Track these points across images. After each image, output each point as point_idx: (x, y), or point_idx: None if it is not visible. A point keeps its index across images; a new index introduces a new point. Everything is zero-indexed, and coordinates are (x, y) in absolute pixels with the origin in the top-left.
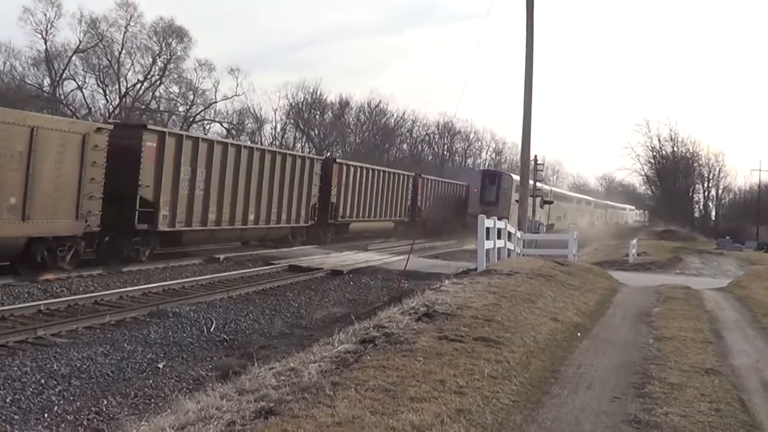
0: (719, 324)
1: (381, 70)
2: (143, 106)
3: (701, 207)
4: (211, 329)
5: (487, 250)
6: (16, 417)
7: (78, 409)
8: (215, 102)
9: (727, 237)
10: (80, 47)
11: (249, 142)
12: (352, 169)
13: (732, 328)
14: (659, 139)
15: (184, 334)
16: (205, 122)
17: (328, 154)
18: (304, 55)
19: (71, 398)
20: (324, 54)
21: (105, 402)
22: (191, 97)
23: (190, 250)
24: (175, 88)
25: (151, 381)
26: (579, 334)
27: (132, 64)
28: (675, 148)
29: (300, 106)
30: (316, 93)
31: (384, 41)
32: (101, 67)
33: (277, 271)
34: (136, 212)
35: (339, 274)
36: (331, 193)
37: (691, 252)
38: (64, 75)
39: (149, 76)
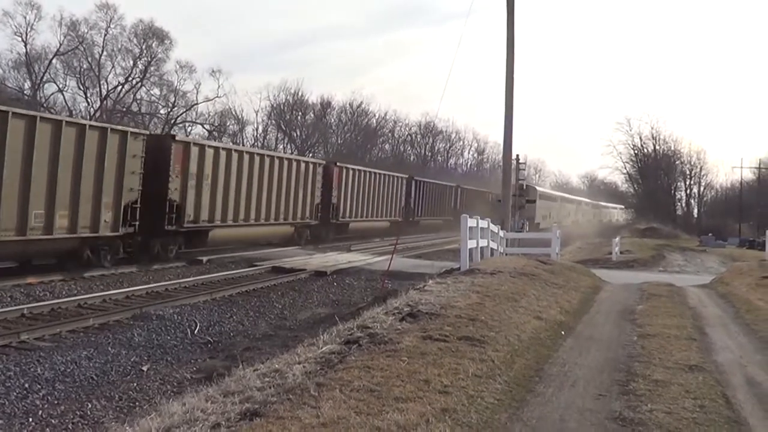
0: (703, 321)
1: (363, 70)
2: (124, 109)
3: (683, 204)
4: (195, 331)
5: (471, 250)
6: (0, 422)
7: (62, 413)
8: (197, 104)
9: (710, 234)
10: (60, 50)
11: (260, 149)
12: (351, 171)
13: (715, 324)
14: (641, 138)
15: (168, 337)
16: (187, 124)
17: (310, 155)
18: (285, 56)
19: (55, 402)
20: (305, 55)
21: (89, 405)
22: (172, 99)
23: (211, 249)
24: (156, 91)
25: (135, 384)
26: (563, 332)
27: (113, 66)
28: (657, 146)
29: (281, 107)
30: (297, 94)
31: (366, 42)
32: (82, 69)
33: (260, 273)
34: (166, 215)
35: (322, 275)
36: (332, 195)
37: (673, 249)
38: (45, 78)
39: (130, 79)
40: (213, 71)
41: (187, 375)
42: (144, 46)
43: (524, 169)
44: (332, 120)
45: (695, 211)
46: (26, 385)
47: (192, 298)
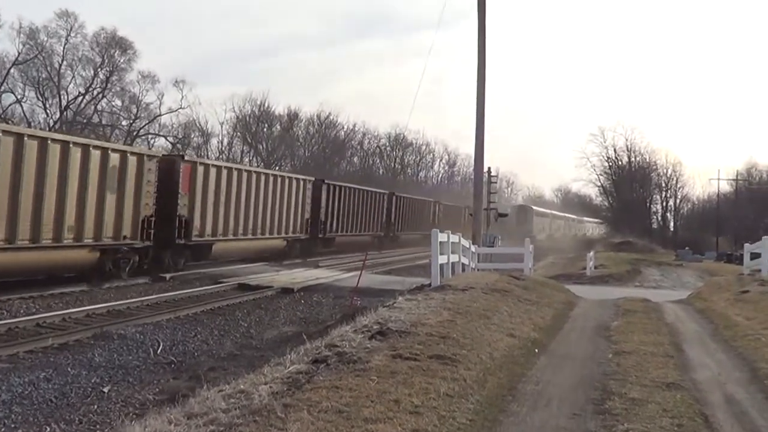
0: (680, 337)
1: (331, 81)
2: (85, 120)
3: (659, 218)
4: (158, 351)
5: (442, 265)
6: None
7: None
8: (160, 115)
9: (687, 248)
10: (19, 59)
11: (257, 167)
12: (338, 189)
13: (693, 341)
14: (615, 149)
15: (130, 357)
16: (150, 136)
17: (277, 168)
18: (251, 67)
19: (12, 426)
20: (272, 66)
21: (48, 429)
22: (135, 110)
23: (211, 262)
24: (117, 101)
25: (96, 406)
26: (536, 350)
27: (73, 76)
28: (631, 158)
29: (247, 118)
30: (263, 105)
31: (334, 52)
32: (41, 79)
33: (225, 290)
34: (176, 229)
35: (289, 292)
36: (320, 211)
37: (650, 264)
38: (2, 88)
39: (91, 89)
40: (176, 82)
41: (149, 396)
42: (106, 56)
43: (496, 182)
44: (299, 132)
45: (671, 224)
46: None
47: (155, 317)
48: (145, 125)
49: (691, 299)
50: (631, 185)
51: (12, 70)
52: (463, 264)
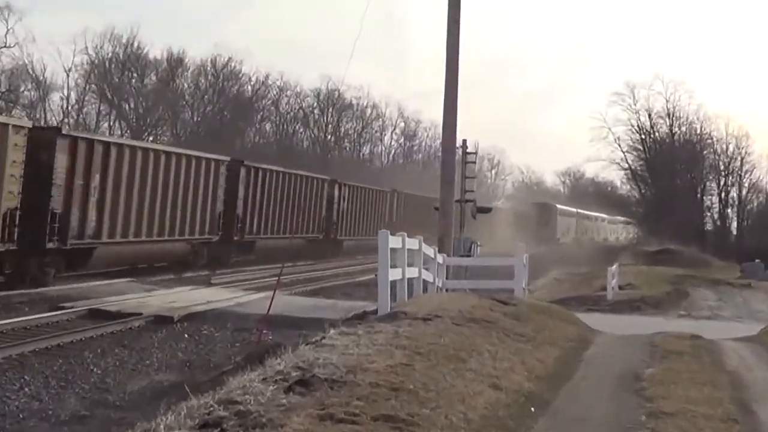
0: (747, 392)
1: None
2: None
3: (715, 216)
4: None
5: (394, 283)
6: None
7: None
8: None
9: (757, 260)
10: None
11: (158, 144)
12: (261, 173)
13: (767, 397)
14: (650, 115)
15: None
16: None
17: (150, 138)
18: None
19: None
20: None
21: None
22: None
23: (93, 273)
24: None
25: None
26: (533, 409)
27: None
28: (674, 128)
29: (107, 65)
30: (131, 46)
31: None
32: None
33: (69, 320)
34: (47, 227)
35: (167, 322)
36: (237, 204)
37: (701, 283)
38: None
39: None
40: None
41: None
42: None
43: (474, 162)
44: (185, 86)
45: (734, 225)
46: None
47: None
48: None
49: (765, 336)
50: (673, 168)
51: None
52: (425, 281)
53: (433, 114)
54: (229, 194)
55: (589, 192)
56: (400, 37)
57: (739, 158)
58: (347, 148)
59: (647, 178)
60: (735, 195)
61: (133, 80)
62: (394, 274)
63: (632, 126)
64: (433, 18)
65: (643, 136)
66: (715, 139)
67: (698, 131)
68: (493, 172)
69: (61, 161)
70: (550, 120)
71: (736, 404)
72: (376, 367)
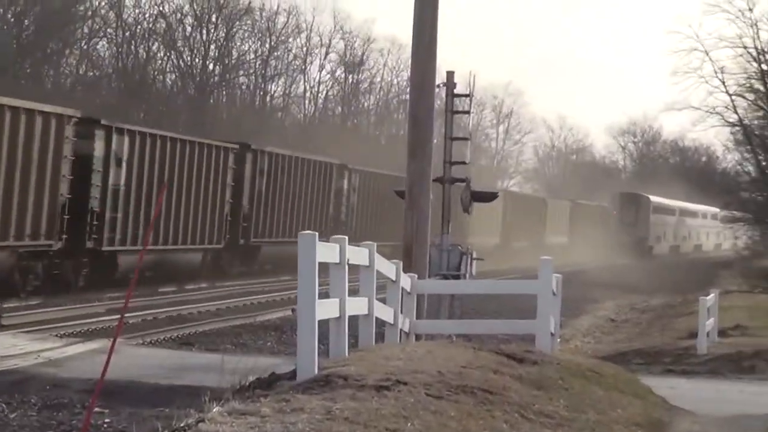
0: None
1: None
2: None
3: None
4: None
5: (324, 324)
6: None
7: None
8: None
9: None
10: None
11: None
12: (273, 158)
13: None
14: None
15: None
16: None
17: None
18: None
19: None
20: None
21: None
22: None
23: None
24: None
25: None
26: None
27: None
28: None
29: None
30: None
31: None
32: None
33: None
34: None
35: None
36: (90, 194)
37: None
38: None
39: None
40: None
41: None
42: None
43: (469, 112)
44: None
45: None
46: None
47: None
48: None
49: None
50: None
51: None
52: (380, 322)
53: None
54: (81, 177)
55: (667, 165)
56: None
57: None
58: (244, 87)
59: None
60: None
61: None
62: (326, 310)
63: (746, 50)
64: None
65: (765, 67)
66: None
67: None
68: (502, 128)
69: None
70: (599, 38)
71: None
72: None
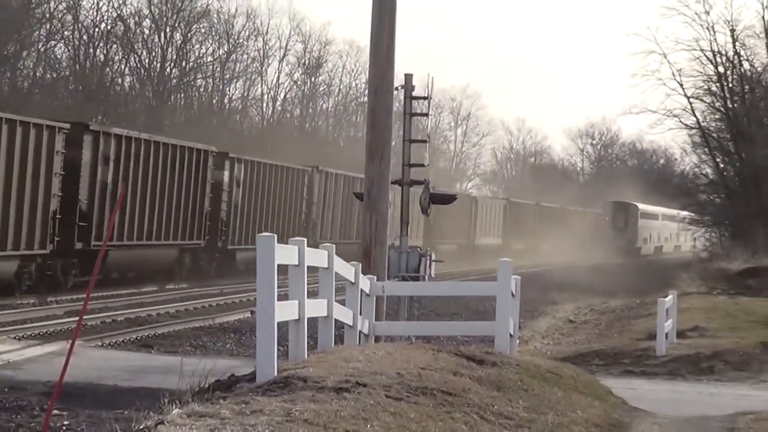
0: None
1: None
2: None
3: None
4: None
5: (284, 327)
6: None
7: None
8: None
9: None
10: None
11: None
12: (249, 166)
13: None
14: (733, 33)
15: None
16: None
17: None
18: None
19: None
20: None
21: None
22: None
23: None
24: None
25: None
26: None
27: None
28: None
29: None
30: None
31: None
32: None
33: None
34: None
35: None
36: (78, 194)
37: None
38: None
39: None
40: None
41: None
42: None
43: (427, 114)
44: None
45: None
46: None
47: None
48: None
49: None
50: None
51: None
52: (339, 324)
53: (354, 29)
54: (70, 181)
55: (626, 168)
56: None
57: None
58: (201, 89)
59: (728, 144)
60: None
61: None
62: (286, 312)
63: (703, 52)
64: None
65: (722, 70)
66: None
67: None
68: (460, 131)
69: None
70: (557, 41)
71: None
72: None
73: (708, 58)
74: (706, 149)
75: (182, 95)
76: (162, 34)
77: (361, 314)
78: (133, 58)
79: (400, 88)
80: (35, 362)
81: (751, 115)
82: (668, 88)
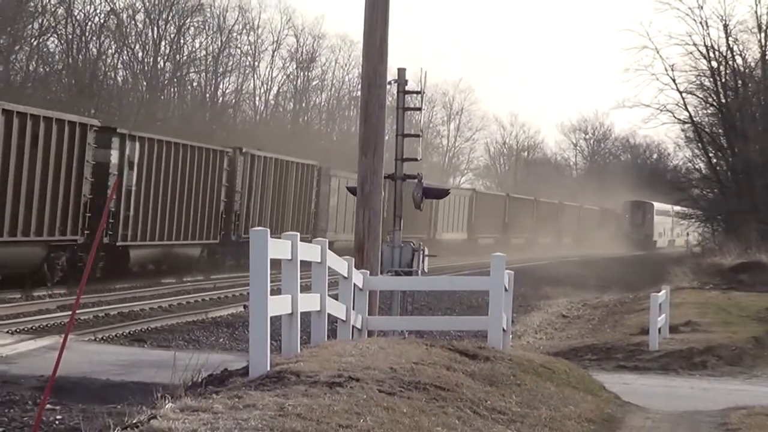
0: None
1: None
2: None
3: None
4: None
5: (276, 322)
6: None
7: None
8: None
9: None
10: None
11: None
12: (259, 160)
13: None
14: (726, 27)
15: None
16: None
17: None
18: None
19: None
20: None
21: None
22: None
23: None
24: None
25: None
26: None
27: None
28: None
29: None
30: None
31: None
32: None
33: None
34: None
35: None
36: (234, 198)
37: None
38: None
39: None
40: None
41: None
42: None
43: (420, 108)
44: None
45: None
46: None
47: None
48: None
49: None
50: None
51: None
52: (332, 319)
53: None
54: (98, 183)
55: (618, 164)
56: None
57: None
58: (195, 84)
59: (721, 138)
60: None
61: None
62: (279, 307)
63: (696, 47)
64: None
65: (715, 65)
66: None
67: None
68: (453, 125)
69: None
70: (551, 35)
71: None
72: None
73: (701, 53)
74: (698, 144)
75: (175, 89)
76: (155, 28)
77: (354, 309)
78: (126, 52)
79: (393, 82)
80: (28, 356)
81: (743, 110)
82: (661, 83)
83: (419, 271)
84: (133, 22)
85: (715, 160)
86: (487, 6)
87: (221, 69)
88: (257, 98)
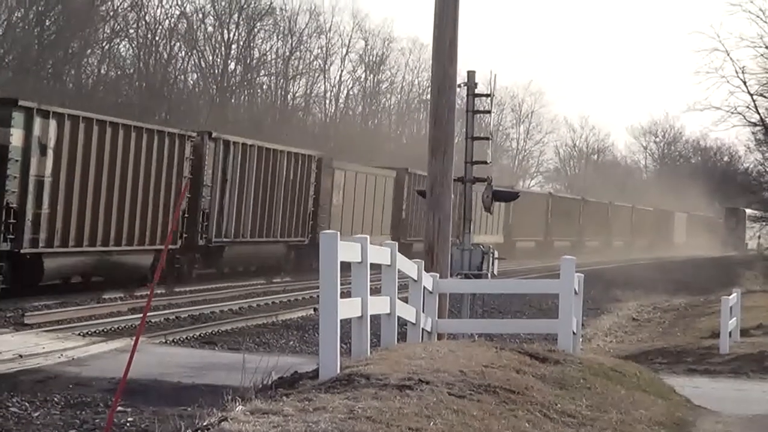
0: None
1: None
2: None
3: None
4: None
5: (346, 325)
6: None
7: None
8: None
9: None
10: None
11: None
12: (236, 147)
13: None
14: None
15: None
16: None
17: None
18: None
19: None
20: None
21: None
22: None
23: None
24: None
25: None
26: None
27: None
28: None
29: None
30: None
31: None
32: None
33: None
34: None
35: None
36: (201, 194)
37: None
38: None
39: None
40: None
41: None
42: None
43: (490, 111)
44: None
45: None
46: None
47: None
48: None
49: None
50: None
51: None
52: (402, 322)
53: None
54: (194, 182)
55: (690, 164)
56: None
57: None
58: (265, 87)
59: None
60: None
61: None
62: (348, 310)
63: (767, 49)
64: None
65: None
66: None
67: None
68: (523, 128)
69: None
70: (621, 38)
71: None
72: None
73: None
74: None
75: (245, 92)
76: (225, 31)
77: (423, 312)
78: (196, 55)
79: (462, 85)
80: (100, 359)
81: None
82: (732, 86)
83: (489, 274)
84: (203, 25)
85: None
86: (556, 9)
87: (291, 72)
88: (327, 101)
